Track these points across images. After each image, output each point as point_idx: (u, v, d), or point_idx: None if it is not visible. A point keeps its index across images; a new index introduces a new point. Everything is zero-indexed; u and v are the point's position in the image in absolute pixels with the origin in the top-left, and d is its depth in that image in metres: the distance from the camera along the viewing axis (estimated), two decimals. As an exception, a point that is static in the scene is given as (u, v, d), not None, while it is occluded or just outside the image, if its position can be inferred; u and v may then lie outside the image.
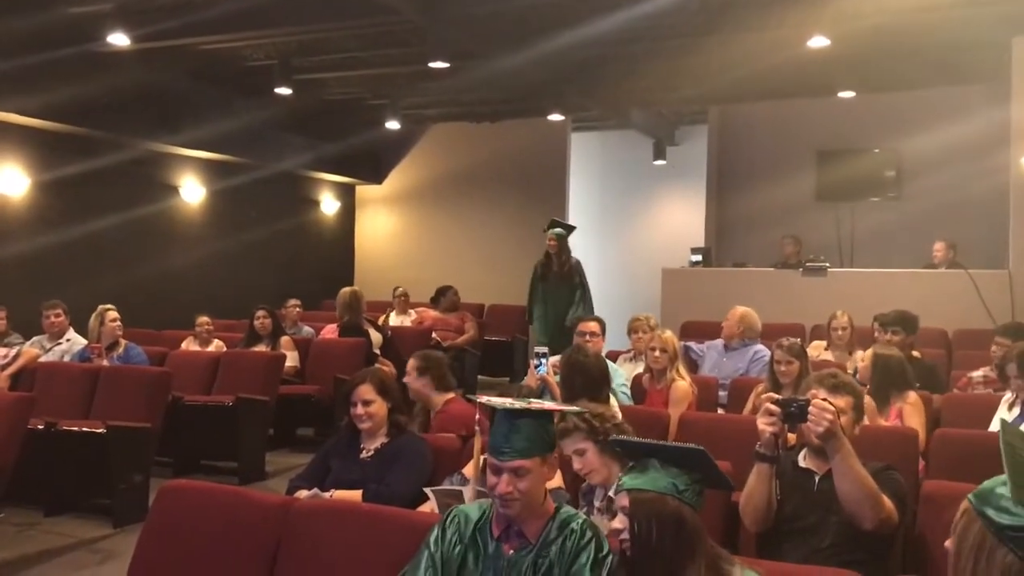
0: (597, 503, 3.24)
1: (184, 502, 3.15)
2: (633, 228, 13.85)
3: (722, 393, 5.91)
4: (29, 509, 5.79)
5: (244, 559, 2.93)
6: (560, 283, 8.33)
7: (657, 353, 5.24)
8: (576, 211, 13.06)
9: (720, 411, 5.64)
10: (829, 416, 2.72)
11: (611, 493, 3.12)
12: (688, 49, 8.62)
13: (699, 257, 10.49)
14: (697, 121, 12.91)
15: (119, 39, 7.79)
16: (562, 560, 2.35)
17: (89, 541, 5.41)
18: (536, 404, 2.59)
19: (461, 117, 12.52)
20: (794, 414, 2.77)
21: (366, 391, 3.74)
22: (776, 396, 2.91)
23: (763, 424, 2.83)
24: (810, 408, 2.74)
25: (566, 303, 8.25)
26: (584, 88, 10.22)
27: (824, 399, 2.87)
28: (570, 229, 8.64)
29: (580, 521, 2.42)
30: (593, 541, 2.37)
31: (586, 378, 4.23)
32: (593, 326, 5.73)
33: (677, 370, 5.25)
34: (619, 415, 3.59)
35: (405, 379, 4.52)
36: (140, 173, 9.98)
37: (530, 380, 4.39)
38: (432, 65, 8.55)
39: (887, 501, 2.77)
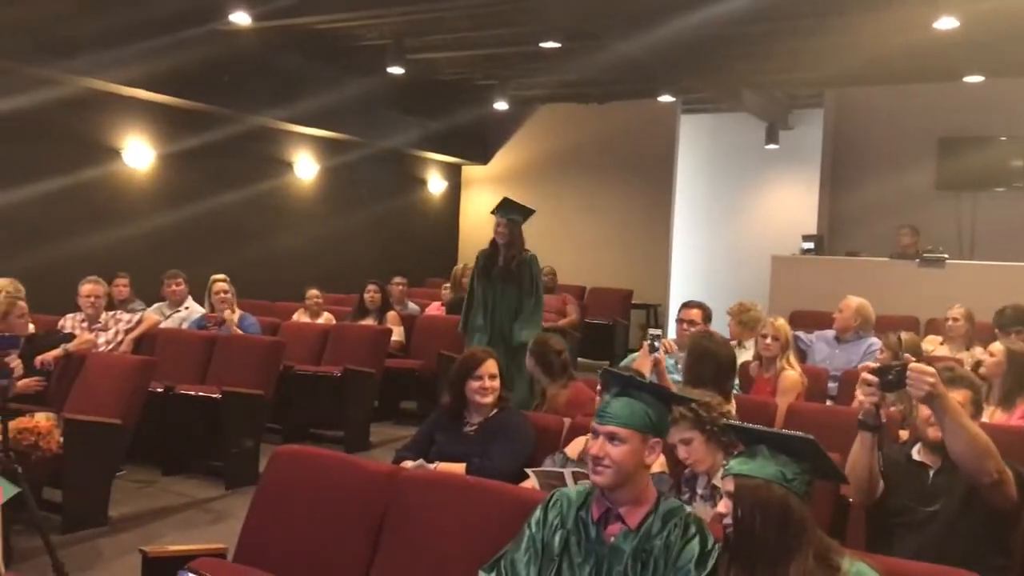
0: (700, 490, 3.20)
1: (296, 467, 3.24)
2: (742, 213, 13.55)
3: (832, 385, 5.74)
4: (148, 468, 6.08)
5: (352, 524, 3.00)
6: (506, 284, 6.39)
7: (768, 341, 5.11)
8: (683, 195, 12.89)
9: (829, 403, 5.48)
10: (929, 379, 2.62)
11: (715, 480, 3.08)
12: (807, 30, 8.34)
13: (811, 245, 10.21)
14: (812, 105, 12.52)
15: (241, 18, 8.03)
16: (667, 555, 2.31)
17: (203, 501, 5.65)
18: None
19: (569, 98, 12.46)
20: (892, 381, 2.68)
21: (494, 366, 3.85)
22: (873, 365, 2.82)
23: (862, 395, 2.79)
24: (908, 372, 2.64)
25: (512, 311, 6.37)
26: (696, 69, 10.03)
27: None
28: (527, 213, 6.64)
29: (685, 514, 2.38)
30: (698, 536, 2.32)
31: (717, 367, 3.94)
32: (695, 313, 5.21)
33: (787, 359, 5.12)
34: (733, 409, 3.52)
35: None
36: (257, 149, 10.30)
37: (642, 363, 4.12)
38: (543, 45, 8.53)
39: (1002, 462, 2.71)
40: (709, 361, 3.96)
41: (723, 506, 2.24)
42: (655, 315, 12.11)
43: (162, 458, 6.14)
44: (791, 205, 12.92)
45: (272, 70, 9.67)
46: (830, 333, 6.46)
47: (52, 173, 7.96)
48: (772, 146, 12.72)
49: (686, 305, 5.40)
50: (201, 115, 9.27)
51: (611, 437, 2.37)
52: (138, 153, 8.94)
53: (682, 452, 3.15)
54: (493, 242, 6.47)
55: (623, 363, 5.32)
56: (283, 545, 3.05)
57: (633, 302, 11.68)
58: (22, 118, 7.60)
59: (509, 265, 6.37)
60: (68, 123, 8.25)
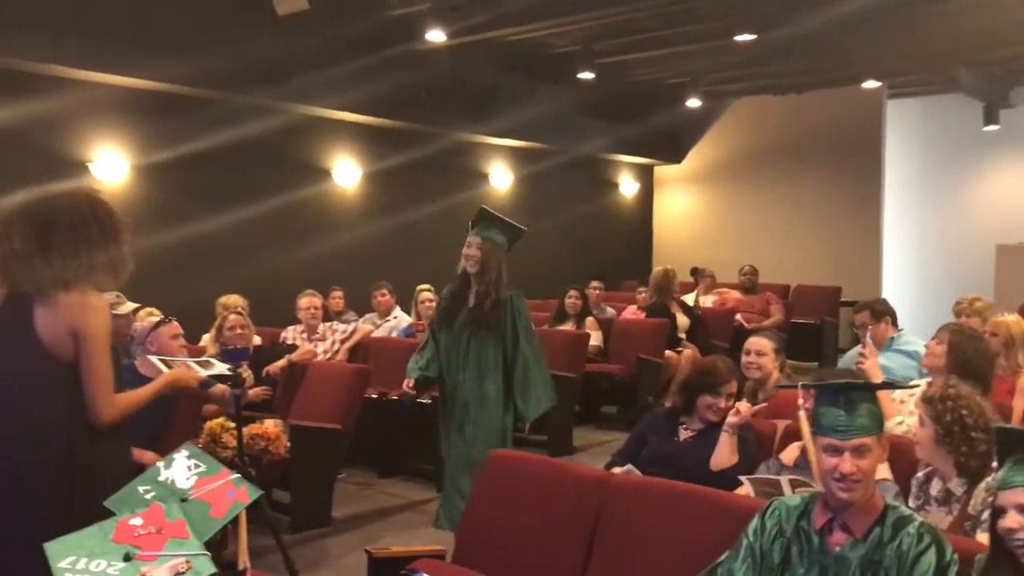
0: (934, 492, 2.99)
1: (509, 470, 3.30)
2: (958, 201, 12.63)
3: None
4: (366, 471, 6.40)
5: (565, 528, 3.01)
6: (477, 333, 4.58)
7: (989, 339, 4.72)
8: (893, 185, 12.16)
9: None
10: None
11: (951, 486, 2.87)
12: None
13: (1042, 231, 9.37)
14: (1038, 80, 11.51)
15: (436, 36, 8.31)
16: (900, 567, 2.19)
17: (417, 503, 5.87)
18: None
19: (764, 90, 12.08)
20: None
21: (734, 387, 3.76)
22: None
23: None
24: None
25: (487, 370, 4.58)
26: (903, 49, 9.43)
27: None
28: (513, 233, 4.86)
29: (916, 524, 2.25)
30: (934, 546, 2.18)
31: (981, 365, 3.68)
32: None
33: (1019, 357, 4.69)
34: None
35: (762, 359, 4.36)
36: (454, 162, 10.63)
37: (870, 362, 3.87)
38: (737, 39, 8.30)
39: None
40: (977, 358, 3.75)
41: (1012, 520, 2.08)
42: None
43: (378, 461, 6.44)
44: (1016, 189, 11.92)
45: (467, 85, 9.95)
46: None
47: (271, 195, 8.55)
48: (991, 127, 11.78)
49: (857, 310, 5.39)
50: (402, 133, 9.67)
51: (858, 450, 2.26)
52: (346, 172, 9.45)
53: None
54: (463, 274, 4.63)
55: (842, 362, 5.10)
56: (499, 548, 3.10)
57: (842, 299, 11.13)
58: (245, 145, 8.19)
59: (481, 305, 4.50)
60: (284, 148, 8.84)
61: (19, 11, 6.36)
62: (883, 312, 5.27)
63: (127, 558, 2.01)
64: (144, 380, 4.43)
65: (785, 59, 9.95)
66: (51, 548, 2.03)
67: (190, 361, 3.32)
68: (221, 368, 3.40)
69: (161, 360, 3.35)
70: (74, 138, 7.39)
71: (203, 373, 3.22)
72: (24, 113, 6.87)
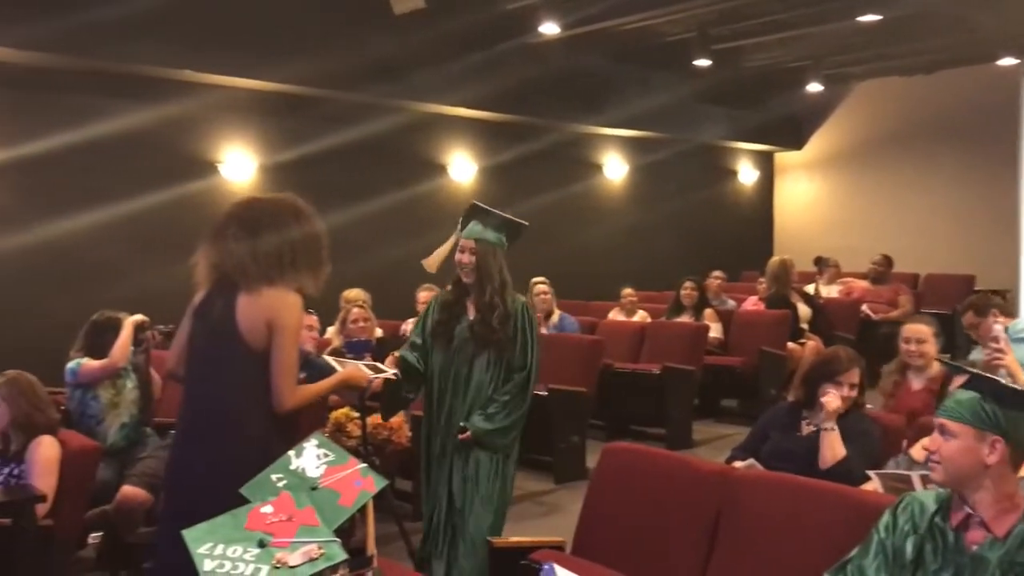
0: None
1: (626, 463, 3.29)
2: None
3: None
4: (484, 461, 6.46)
5: (686, 523, 2.98)
6: (481, 352, 3.70)
7: None
8: (1031, 167, 11.51)
9: None
10: None
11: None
12: None
13: None
14: None
15: (549, 28, 8.32)
16: None
17: (535, 494, 5.90)
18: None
19: (890, 72, 11.63)
20: None
21: (855, 376, 3.60)
22: None
23: None
24: None
25: (487, 396, 3.67)
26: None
27: None
28: (512, 229, 4.01)
29: None
30: None
31: None
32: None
33: None
34: None
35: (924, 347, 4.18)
36: (568, 154, 10.63)
37: (1010, 358, 3.60)
38: (861, 19, 8.01)
39: None
40: None
41: None
42: (1004, 302, 10.91)
43: (497, 452, 6.50)
44: None
45: (580, 76, 9.93)
46: None
47: (390, 190, 8.75)
48: None
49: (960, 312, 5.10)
50: (516, 127, 9.73)
51: (941, 429, 2.25)
52: (462, 167, 9.58)
53: None
54: (457, 282, 3.86)
55: (972, 355, 4.85)
56: (618, 540, 3.10)
57: (976, 288, 10.60)
58: (364, 143, 8.41)
59: (487, 320, 3.65)
60: (401, 145, 9.04)
61: (150, 21, 6.71)
62: (987, 306, 4.94)
63: (261, 544, 2.09)
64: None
65: (912, 38, 9.55)
66: (189, 535, 2.12)
67: (360, 364, 3.48)
68: (388, 372, 3.54)
69: (336, 360, 3.55)
70: (204, 140, 7.75)
71: (371, 375, 3.36)
72: (157, 117, 7.25)
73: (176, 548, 2.18)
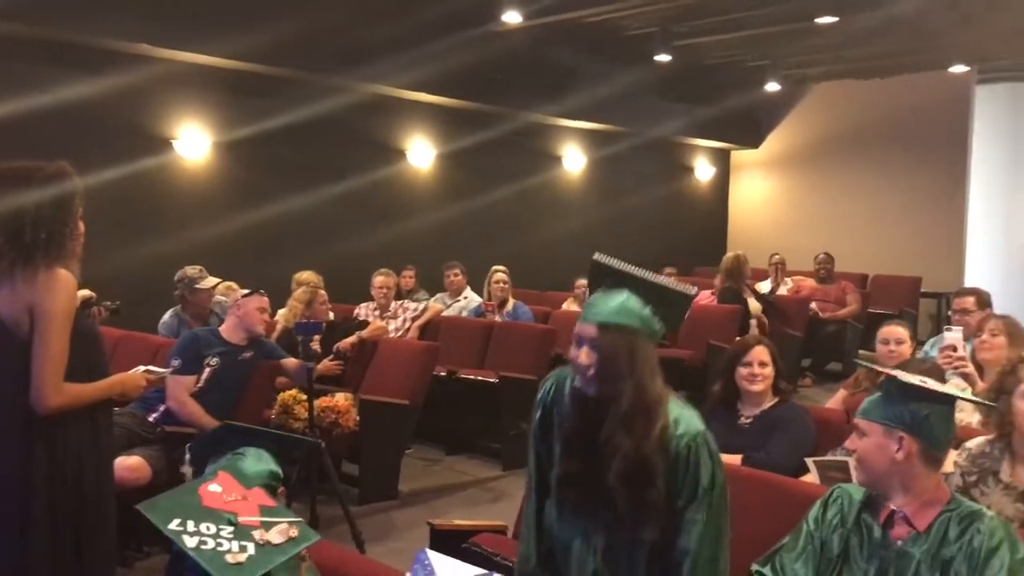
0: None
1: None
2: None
3: None
4: (433, 447, 6.50)
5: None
6: (636, 512, 2.10)
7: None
8: (980, 174, 11.75)
9: None
10: None
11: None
12: None
13: None
14: None
15: (512, 17, 8.31)
16: (971, 564, 2.12)
17: (483, 480, 5.95)
18: (931, 384, 2.32)
19: (846, 75, 11.79)
20: None
21: (763, 353, 3.76)
22: None
23: None
24: None
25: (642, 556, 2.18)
26: (996, 31, 9.09)
27: None
28: (671, 304, 2.31)
29: (988, 518, 2.17)
30: (1005, 542, 2.12)
31: None
32: (969, 301, 4.79)
33: None
34: None
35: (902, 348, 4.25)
36: (528, 144, 10.64)
37: (972, 368, 3.75)
38: (818, 20, 8.11)
39: None
40: None
41: None
42: (947, 304, 11.16)
43: (445, 438, 6.53)
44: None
45: (542, 66, 9.93)
46: None
47: (347, 175, 8.68)
48: (1089, 114, 11.31)
49: (958, 294, 5.16)
50: (476, 114, 9.71)
51: (857, 430, 2.33)
52: (421, 153, 9.54)
53: None
54: (576, 394, 2.19)
55: (924, 349, 5.00)
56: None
57: (923, 290, 10.84)
58: (320, 125, 8.33)
59: (640, 443, 2.07)
60: (360, 128, 8.97)
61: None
62: (987, 303, 5.05)
63: (230, 523, 1.99)
64: (233, 348, 4.61)
65: (869, 42, 9.69)
66: (152, 513, 1.98)
67: (140, 368, 3.06)
68: (163, 372, 3.22)
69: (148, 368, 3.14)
70: (159, 115, 7.62)
71: (146, 377, 3.02)
72: (111, 90, 7.11)
73: None
